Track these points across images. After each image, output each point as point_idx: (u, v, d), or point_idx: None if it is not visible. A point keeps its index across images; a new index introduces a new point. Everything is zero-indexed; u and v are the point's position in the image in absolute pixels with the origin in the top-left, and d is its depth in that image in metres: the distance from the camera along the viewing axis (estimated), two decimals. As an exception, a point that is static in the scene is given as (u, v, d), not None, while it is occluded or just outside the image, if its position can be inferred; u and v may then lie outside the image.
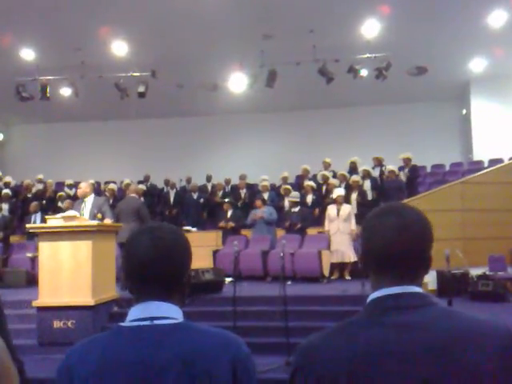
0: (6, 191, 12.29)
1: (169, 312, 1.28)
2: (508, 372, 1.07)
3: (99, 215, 7.23)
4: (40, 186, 13.50)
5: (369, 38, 11.64)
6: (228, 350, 1.25)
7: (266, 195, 11.35)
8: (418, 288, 1.17)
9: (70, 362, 1.28)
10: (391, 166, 11.30)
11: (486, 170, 10.86)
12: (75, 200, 9.61)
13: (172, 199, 13.49)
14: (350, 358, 1.10)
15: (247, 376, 1.26)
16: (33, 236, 10.18)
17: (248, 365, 1.27)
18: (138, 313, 1.28)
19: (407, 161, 11.82)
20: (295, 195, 10.27)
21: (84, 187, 7.58)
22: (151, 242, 1.30)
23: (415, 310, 1.12)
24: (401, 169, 11.79)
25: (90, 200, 7.47)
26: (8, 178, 13.71)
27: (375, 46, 11.49)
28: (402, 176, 11.47)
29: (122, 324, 1.29)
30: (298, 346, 1.21)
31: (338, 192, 9.49)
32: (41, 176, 14.16)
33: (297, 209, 9.96)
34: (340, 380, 1.10)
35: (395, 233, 1.17)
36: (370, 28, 11.58)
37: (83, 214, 7.08)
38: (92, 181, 14.09)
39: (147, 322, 1.26)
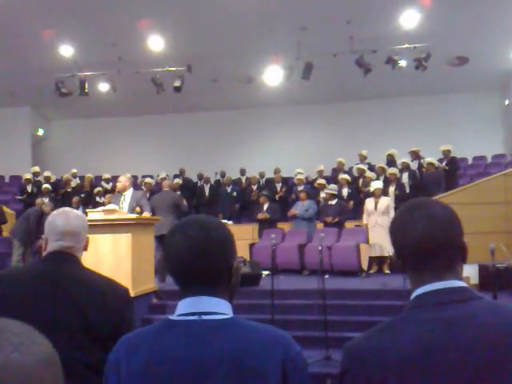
0: (46, 186, 12.56)
1: (218, 307, 1.26)
2: None
3: (137, 209, 7.31)
4: (78, 181, 13.75)
5: (408, 28, 11.40)
6: (278, 348, 1.22)
7: (300, 189, 11.26)
8: (460, 282, 1.16)
9: (119, 355, 1.28)
10: (430, 159, 11.06)
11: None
12: (113, 194, 9.78)
13: (207, 193, 13.57)
14: (399, 358, 1.09)
15: (298, 375, 1.22)
16: None
17: (299, 364, 1.24)
18: (187, 307, 1.27)
19: (447, 153, 11.56)
20: (333, 188, 10.17)
21: (123, 181, 7.64)
22: (185, 240, 1.28)
23: (460, 304, 1.11)
24: (440, 161, 11.53)
25: (128, 194, 7.54)
26: (48, 173, 14.01)
27: (414, 36, 11.25)
28: (443, 168, 11.22)
29: (171, 317, 1.28)
30: (345, 347, 1.20)
31: (376, 185, 9.33)
32: (74, 170, 14.36)
33: (334, 201, 9.86)
34: (390, 380, 1.09)
35: (429, 226, 1.17)
36: (409, 18, 11.33)
37: (122, 208, 7.15)
38: (129, 175, 14.31)
39: (196, 317, 1.24)
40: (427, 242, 1.16)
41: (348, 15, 11.08)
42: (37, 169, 14.29)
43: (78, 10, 10.98)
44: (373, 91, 14.47)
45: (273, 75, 13.09)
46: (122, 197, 7.52)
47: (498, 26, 11.58)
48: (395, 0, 10.81)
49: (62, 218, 1.90)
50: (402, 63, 11.63)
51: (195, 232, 1.28)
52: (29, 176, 13.61)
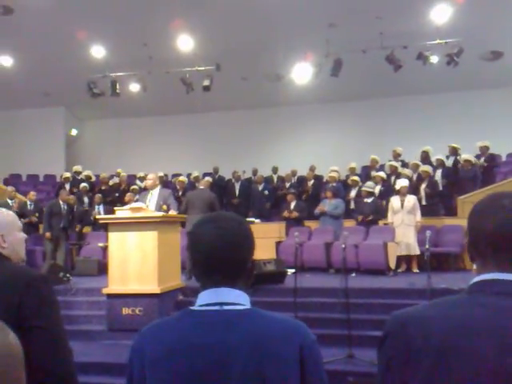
0: (84, 185, 12.83)
1: (238, 298, 1.32)
2: None
3: (164, 207, 7.39)
4: (116, 180, 13.98)
5: (439, 23, 11.18)
6: (295, 336, 1.29)
7: (331, 186, 11.17)
8: None
9: (143, 341, 1.34)
10: (466, 155, 10.85)
11: None
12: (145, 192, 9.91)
13: (237, 191, 13.62)
14: (443, 332, 1.10)
15: (314, 361, 1.30)
16: (99, 227, 10.61)
17: (315, 351, 1.31)
18: (208, 298, 1.32)
19: (484, 149, 11.30)
20: (370, 185, 10.05)
21: (154, 179, 7.74)
22: (216, 230, 1.34)
23: None
24: (478, 157, 11.29)
25: (156, 191, 7.64)
26: (88, 172, 14.28)
27: (445, 32, 11.04)
28: (481, 164, 10.99)
29: (192, 308, 1.34)
30: (392, 313, 1.21)
31: (402, 183, 9.19)
32: (120, 170, 14.51)
33: (370, 199, 9.74)
34: (430, 352, 1.09)
35: (508, 216, 1.15)
36: (441, 13, 11.11)
37: (149, 206, 7.24)
38: (161, 173, 14.50)
39: (217, 307, 1.30)
40: (502, 232, 1.15)
41: (377, 11, 10.94)
42: (79, 168, 14.61)
43: (109, 11, 11.19)
44: (404, 88, 14.25)
45: (302, 73, 13.04)
46: (150, 194, 7.62)
47: (533, 18, 11.25)
48: (426, -6, 10.62)
49: None
50: (433, 59, 11.42)
51: (226, 223, 1.36)
52: (68, 175, 13.92)
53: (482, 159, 11.23)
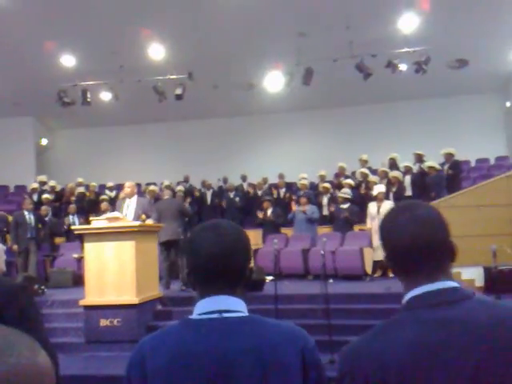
0: (46, 196, 12.63)
1: (236, 306, 1.31)
2: None
3: (143, 216, 7.30)
4: (82, 189, 13.82)
5: (407, 32, 11.44)
6: (296, 341, 1.29)
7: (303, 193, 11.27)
8: (452, 282, 1.17)
9: (143, 353, 1.31)
10: (431, 162, 11.07)
11: (532, 163, 10.51)
12: (115, 202, 9.81)
13: (209, 199, 13.63)
14: (398, 359, 1.10)
15: (316, 365, 1.30)
16: (73, 237, 10.45)
17: (316, 355, 1.32)
18: (207, 306, 1.31)
19: (448, 156, 11.56)
20: (347, 192, 10.20)
21: (132, 187, 7.63)
22: (215, 238, 1.33)
23: (454, 304, 1.13)
24: (442, 164, 11.53)
25: (133, 200, 7.52)
26: (53, 182, 14.10)
27: (414, 40, 11.30)
28: (444, 171, 11.22)
29: (191, 317, 1.32)
30: (342, 351, 1.22)
31: (379, 189, 9.36)
32: (81, 179, 14.48)
33: (346, 205, 9.86)
34: (389, 382, 1.10)
35: (416, 227, 1.18)
36: (408, 22, 11.38)
37: (126, 215, 7.15)
38: (133, 182, 14.35)
39: (216, 315, 1.29)
40: (416, 244, 1.16)
41: (347, 20, 11.12)
42: (44, 178, 14.38)
43: (79, 20, 11.06)
44: (373, 95, 14.52)
45: (274, 81, 13.15)
46: (126, 203, 7.49)
47: (498, 28, 11.62)
48: (394, 4, 10.86)
49: None
50: (402, 67, 11.67)
51: (225, 231, 1.35)
52: (35, 185, 13.68)
53: (447, 166, 11.46)
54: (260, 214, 10.65)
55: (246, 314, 1.32)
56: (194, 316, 1.32)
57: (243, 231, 1.41)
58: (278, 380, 1.24)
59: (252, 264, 8.26)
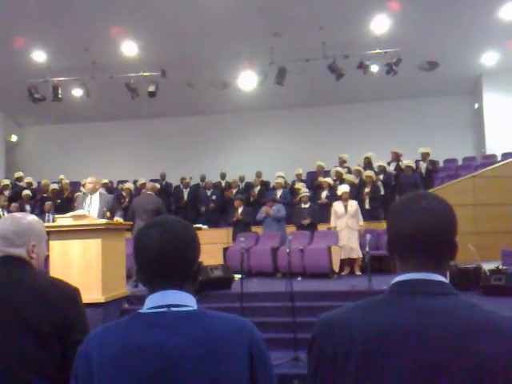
0: (26, 192, 12.43)
1: (184, 300, 1.33)
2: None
3: (108, 213, 7.15)
4: (56, 186, 13.66)
5: (378, 33, 11.59)
6: (243, 333, 1.32)
7: (279, 192, 11.32)
8: (441, 277, 1.19)
9: (90, 347, 1.32)
10: (407, 161, 11.23)
11: (498, 164, 10.76)
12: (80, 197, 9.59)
13: (186, 197, 13.59)
14: (367, 335, 1.13)
15: (263, 358, 1.33)
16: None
17: (263, 347, 1.34)
18: (155, 301, 1.33)
19: (425, 155, 11.71)
20: (307, 191, 10.33)
21: (94, 182, 7.30)
22: (161, 234, 1.34)
23: (436, 297, 1.15)
24: (417, 163, 11.71)
25: (96, 197, 7.24)
26: (29, 179, 13.89)
27: (385, 42, 11.45)
28: (422, 170, 11.38)
29: (140, 311, 1.34)
30: (320, 316, 1.25)
31: (343, 189, 9.49)
32: (62, 176, 14.25)
33: (307, 205, 9.97)
34: (354, 355, 1.13)
35: (424, 217, 1.19)
36: (380, 24, 11.53)
37: (89, 212, 6.98)
38: (106, 180, 14.26)
39: (164, 309, 1.31)
40: (420, 233, 1.18)
41: (320, 21, 11.23)
42: (20, 174, 14.17)
43: (51, 15, 10.93)
44: (345, 96, 14.65)
45: (247, 80, 13.18)
46: (89, 199, 7.20)
47: (468, 31, 11.84)
48: (366, 5, 10.98)
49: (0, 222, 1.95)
50: (374, 68, 11.83)
51: (172, 227, 1.37)
52: (6, 181, 13.45)
53: (425, 165, 11.62)
54: (234, 217, 10.62)
55: (195, 307, 1.34)
56: (144, 310, 1.33)
57: (191, 227, 1.43)
58: (225, 373, 1.27)
59: (203, 259, 8.28)
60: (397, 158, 12.16)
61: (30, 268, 1.92)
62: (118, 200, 11.89)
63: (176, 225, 1.38)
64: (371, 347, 1.12)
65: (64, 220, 6.58)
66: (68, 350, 1.76)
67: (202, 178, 14.26)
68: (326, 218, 9.98)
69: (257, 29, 11.58)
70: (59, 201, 12.72)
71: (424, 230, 1.19)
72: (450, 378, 1.07)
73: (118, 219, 7.09)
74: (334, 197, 10.67)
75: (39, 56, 12.46)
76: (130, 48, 12.24)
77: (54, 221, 7.53)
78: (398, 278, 1.21)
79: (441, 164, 14.39)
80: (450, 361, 1.07)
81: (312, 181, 12.63)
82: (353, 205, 9.26)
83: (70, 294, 1.90)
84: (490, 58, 13.48)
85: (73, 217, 6.54)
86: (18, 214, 2.02)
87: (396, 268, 1.25)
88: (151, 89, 12.48)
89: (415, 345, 1.10)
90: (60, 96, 12.80)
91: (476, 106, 15.29)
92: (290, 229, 10.15)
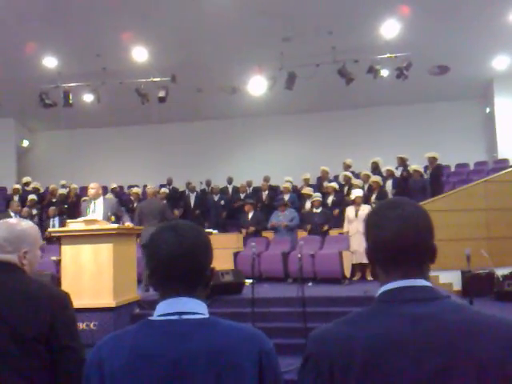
0: (32, 197, 12.50)
1: (196, 308, 1.32)
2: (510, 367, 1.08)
3: (113, 217, 7.18)
4: (63, 191, 13.72)
5: (388, 38, 11.56)
6: (254, 343, 1.30)
7: (286, 197, 11.30)
8: (426, 282, 1.19)
9: (101, 354, 1.31)
10: (415, 166, 11.17)
11: (510, 169, 10.65)
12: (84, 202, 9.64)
13: (193, 202, 13.59)
14: (363, 347, 1.12)
15: (273, 369, 1.31)
16: (52, 240, 10.34)
17: (273, 358, 1.32)
18: (166, 308, 1.31)
19: (432, 160, 11.64)
20: (318, 195, 10.26)
21: (97, 188, 7.39)
22: (175, 238, 1.33)
23: (425, 302, 1.15)
24: (426, 168, 11.64)
25: (99, 201, 7.33)
26: (36, 184, 13.96)
27: (395, 46, 11.41)
28: (427, 175, 11.32)
29: (151, 318, 1.32)
30: (310, 334, 1.23)
31: (356, 193, 9.42)
32: (64, 181, 14.38)
33: (319, 210, 9.92)
34: (353, 368, 1.12)
35: (403, 225, 1.19)
36: (390, 28, 11.51)
37: (94, 217, 7.00)
38: (115, 185, 14.32)
39: (175, 317, 1.29)
40: (400, 240, 1.18)
41: (330, 26, 11.23)
42: (28, 179, 14.25)
43: (62, 21, 11.02)
44: (355, 100, 14.62)
45: (256, 85, 13.18)
46: (93, 204, 7.28)
47: (478, 34, 11.78)
48: (376, 10, 10.96)
49: None
50: (384, 72, 11.79)
51: (185, 232, 1.35)
52: (17, 186, 13.53)
53: (430, 169, 11.55)
54: (244, 229, 10.58)
55: (206, 315, 1.32)
56: (154, 317, 1.32)
57: (203, 232, 1.41)
58: (235, 381, 1.25)
59: (216, 265, 8.26)
60: (403, 163, 12.08)
61: (21, 273, 1.91)
62: (127, 204, 11.94)
63: (189, 229, 1.37)
64: (370, 358, 1.11)
65: (76, 225, 6.61)
66: (57, 355, 1.78)
67: (208, 183, 14.27)
68: (339, 223, 9.92)
69: (266, 34, 11.59)
70: (66, 206, 12.77)
71: (404, 238, 1.18)
72: (452, 381, 1.07)
73: (128, 224, 7.16)
74: (340, 202, 10.67)
75: (50, 62, 12.55)
76: (140, 54, 12.30)
77: (64, 225, 7.55)
78: (384, 288, 1.20)
79: (452, 169, 14.31)
80: (450, 364, 1.07)
81: (318, 186, 12.59)
82: (364, 209, 9.18)
83: (59, 299, 1.89)
84: (501, 62, 13.41)
85: (85, 222, 6.57)
86: (12, 221, 2.02)
87: (378, 276, 1.24)
88: (161, 94, 12.53)
89: (414, 352, 1.10)
90: (71, 101, 12.89)
91: (487, 110, 15.20)
92: (301, 234, 10.11)
